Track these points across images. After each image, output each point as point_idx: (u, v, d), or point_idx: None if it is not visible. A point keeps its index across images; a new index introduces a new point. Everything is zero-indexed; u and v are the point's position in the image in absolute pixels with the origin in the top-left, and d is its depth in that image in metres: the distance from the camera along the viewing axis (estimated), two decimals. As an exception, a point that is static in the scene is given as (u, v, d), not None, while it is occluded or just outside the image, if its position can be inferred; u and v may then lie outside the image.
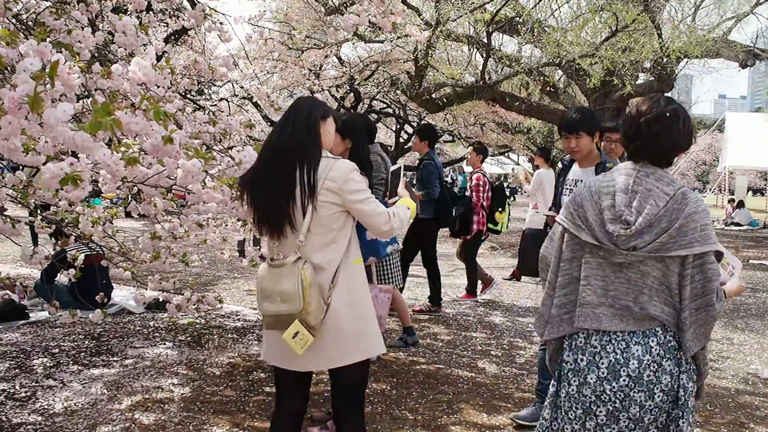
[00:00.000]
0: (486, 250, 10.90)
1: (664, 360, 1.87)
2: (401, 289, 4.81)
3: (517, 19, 9.18)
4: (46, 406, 3.53)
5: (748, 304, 6.92)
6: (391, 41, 9.15)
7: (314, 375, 2.86)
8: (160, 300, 5.44)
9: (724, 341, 5.37)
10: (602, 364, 1.90)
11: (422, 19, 8.79)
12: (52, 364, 4.23)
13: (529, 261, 3.50)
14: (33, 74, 1.66)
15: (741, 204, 18.99)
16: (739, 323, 6.03)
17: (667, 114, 1.90)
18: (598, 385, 1.90)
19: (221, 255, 4.38)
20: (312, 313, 2.10)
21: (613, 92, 9.98)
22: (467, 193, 6.48)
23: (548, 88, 11.19)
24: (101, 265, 4.39)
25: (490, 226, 6.64)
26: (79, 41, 2.83)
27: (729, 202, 20.20)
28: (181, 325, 5.38)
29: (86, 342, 4.79)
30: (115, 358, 4.41)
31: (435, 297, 6.01)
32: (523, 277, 7.87)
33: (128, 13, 3.81)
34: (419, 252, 5.90)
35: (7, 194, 3.08)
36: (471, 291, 6.72)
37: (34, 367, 4.17)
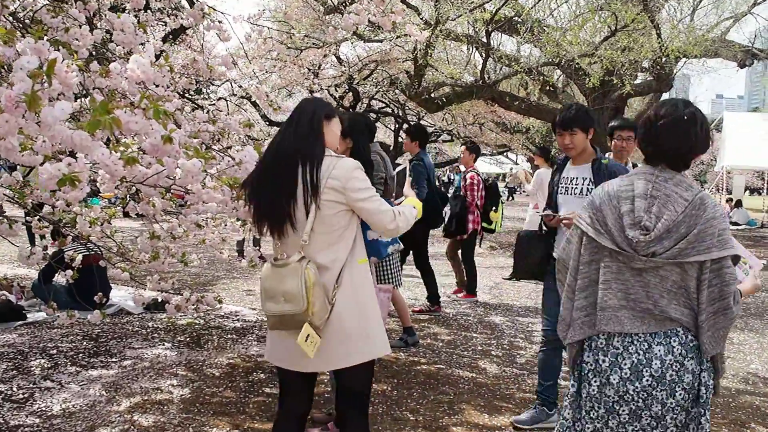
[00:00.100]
0: (485, 249, 10.89)
1: (686, 359, 1.90)
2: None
3: (517, 18, 9.19)
4: (43, 408, 3.50)
5: (747, 304, 6.91)
6: (391, 40, 9.15)
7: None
8: (159, 300, 5.40)
9: (724, 341, 5.36)
10: (625, 365, 1.93)
11: (422, 19, 8.79)
12: (49, 366, 4.20)
13: (524, 264, 3.47)
14: (30, 72, 1.64)
15: (739, 203, 19.02)
16: (739, 323, 6.02)
17: (685, 117, 1.91)
18: (621, 385, 1.93)
19: (220, 255, 4.35)
20: (316, 313, 2.09)
21: (612, 92, 9.99)
22: (461, 193, 6.47)
23: (547, 88, 11.20)
24: (99, 265, 4.36)
25: (485, 225, 6.66)
26: (77, 39, 2.81)
27: (727, 201, 20.20)
28: (180, 325, 5.35)
29: (84, 343, 4.76)
30: (113, 359, 4.39)
31: (433, 296, 5.99)
32: (523, 277, 7.86)
33: (126, 11, 3.78)
34: (410, 253, 5.88)
35: (4, 194, 3.05)
36: (471, 291, 6.70)
37: (32, 369, 4.14)
